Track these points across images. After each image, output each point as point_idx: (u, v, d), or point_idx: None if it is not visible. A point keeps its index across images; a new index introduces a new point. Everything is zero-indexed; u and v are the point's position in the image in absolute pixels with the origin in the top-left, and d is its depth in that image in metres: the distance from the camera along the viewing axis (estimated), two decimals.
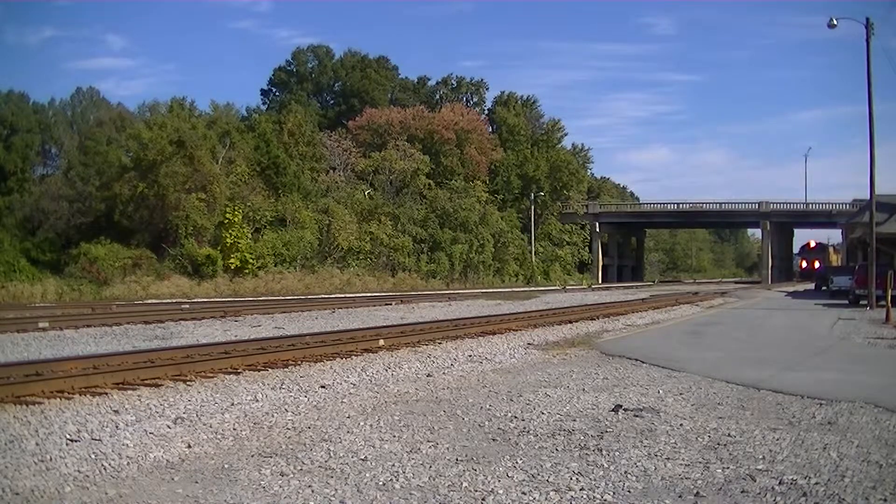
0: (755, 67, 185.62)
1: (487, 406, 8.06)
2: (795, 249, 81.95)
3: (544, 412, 7.70)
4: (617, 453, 5.99)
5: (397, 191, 58.80)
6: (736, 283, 78.21)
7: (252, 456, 6.02)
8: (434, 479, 5.32)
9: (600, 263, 77.25)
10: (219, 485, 5.25)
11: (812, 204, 73.40)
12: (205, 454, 6.13)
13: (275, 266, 44.39)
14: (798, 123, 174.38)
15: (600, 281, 72.84)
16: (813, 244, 74.61)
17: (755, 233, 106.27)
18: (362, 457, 5.94)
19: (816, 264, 71.76)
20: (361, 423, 7.19)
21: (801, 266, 74.41)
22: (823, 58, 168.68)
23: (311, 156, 55.84)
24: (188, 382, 9.20)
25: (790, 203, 74.43)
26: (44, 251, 41.12)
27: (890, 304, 20.86)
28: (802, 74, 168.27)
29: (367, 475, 5.43)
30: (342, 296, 37.28)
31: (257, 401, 8.30)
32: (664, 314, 23.97)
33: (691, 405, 8.09)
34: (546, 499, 4.89)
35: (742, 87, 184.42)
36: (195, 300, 31.84)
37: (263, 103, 79.53)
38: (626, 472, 5.45)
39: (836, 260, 72.69)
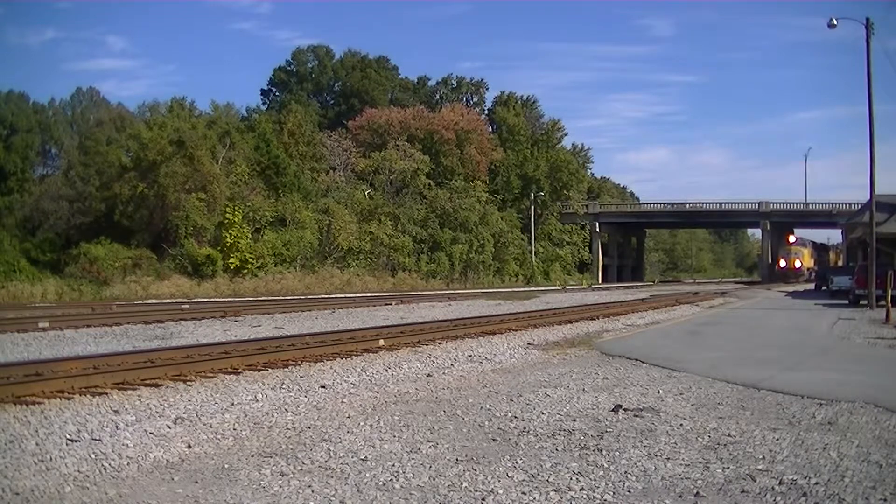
0: (754, 68, 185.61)
1: (487, 406, 8.06)
2: None
3: (544, 412, 7.70)
4: (617, 453, 5.99)
5: (397, 191, 58.76)
6: (736, 283, 78.00)
7: (252, 456, 6.02)
8: (434, 479, 5.32)
9: (600, 263, 77.19)
10: (219, 485, 5.25)
11: (812, 204, 73.19)
12: (205, 454, 6.13)
13: (275, 266, 44.36)
14: (797, 124, 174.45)
15: (600, 281, 72.76)
16: (792, 239, 71.29)
17: (755, 233, 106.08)
18: (362, 457, 5.94)
19: (797, 264, 69.88)
20: (361, 423, 7.19)
21: (778, 265, 71.32)
22: (823, 58, 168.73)
23: (311, 156, 55.84)
24: (188, 382, 9.20)
25: (790, 203, 74.23)
26: (44, 251, 41.09)
27: (890, 304, 20.85)
28: (802, 75, 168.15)
29: (367, 475, 5.43)
30: (342, 296, 37.27)
31: (257, 401, 8.30)
32: (664, 314, 23.96)
33: (691, 405, 8.09)
34: (546, 499, 4.89)
35: (741, 88, 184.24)
36: (195, 300, 31.84)
37: (263, 103, 79.70)
38: (626, 472, 5.45)
39: (809, 257, 70.65)
